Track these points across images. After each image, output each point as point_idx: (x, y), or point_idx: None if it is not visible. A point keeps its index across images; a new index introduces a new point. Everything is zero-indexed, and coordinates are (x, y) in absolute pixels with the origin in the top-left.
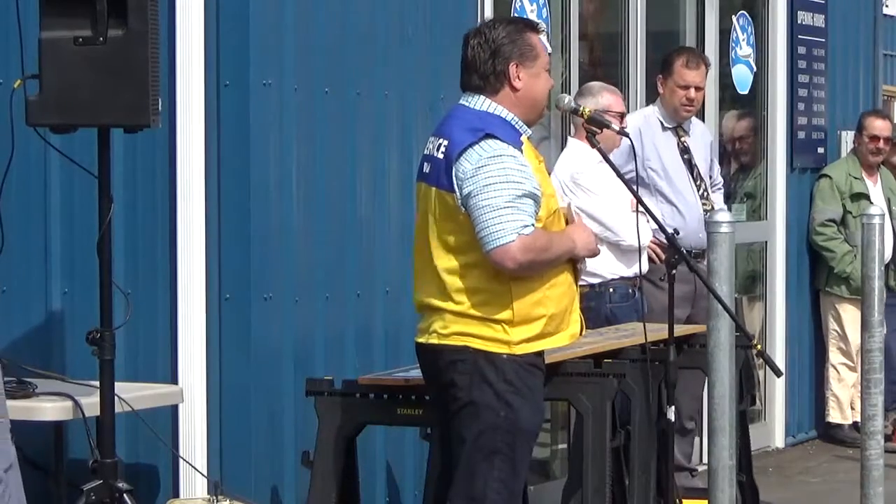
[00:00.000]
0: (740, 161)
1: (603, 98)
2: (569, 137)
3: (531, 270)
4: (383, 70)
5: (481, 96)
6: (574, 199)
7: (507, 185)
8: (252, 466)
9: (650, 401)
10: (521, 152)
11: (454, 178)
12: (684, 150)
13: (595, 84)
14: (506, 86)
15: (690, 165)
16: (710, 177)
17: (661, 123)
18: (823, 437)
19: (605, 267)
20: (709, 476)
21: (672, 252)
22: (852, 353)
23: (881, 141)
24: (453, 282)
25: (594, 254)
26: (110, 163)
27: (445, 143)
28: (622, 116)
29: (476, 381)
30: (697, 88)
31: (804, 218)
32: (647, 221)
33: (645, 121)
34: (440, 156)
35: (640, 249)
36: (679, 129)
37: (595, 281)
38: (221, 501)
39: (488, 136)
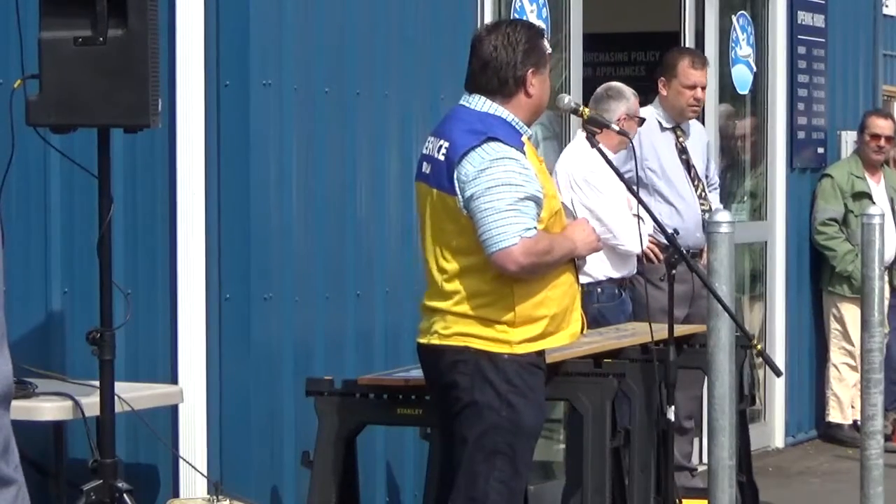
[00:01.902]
0: (740, 160)
1: (632, 102)
2: (578, 131)
3: (533, 273)
4: (383, 70)
5: (481, 97)
6: (580, 197)
7: (509, 188)
8: (252, 466)
9: (650, 401)
10: (524, 154)
11: (455, 181)
12: (682, 151)
13: (623, 87)
14: (521, 91)
15: (688, 166)
16: (707, 177)
17: (660, 124)
18: (823, 437)
19: (596, 267)
20: (709, 476)
21: (672, 252)
22: (854, 353)
23: (882, 139)
24: (455, 283)
25: (597, 250)
26: (110, 163)
27: (446, 144)
28: (642, 121)
29: (477, 381)
30: (703, 88)
31: (804, 218)
32: (643, 223)
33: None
34: (441, 157)
35: (642, 252)
36: (677, 129)
37: (584, 281)
38: (221, 501)
39: (491, 139)
